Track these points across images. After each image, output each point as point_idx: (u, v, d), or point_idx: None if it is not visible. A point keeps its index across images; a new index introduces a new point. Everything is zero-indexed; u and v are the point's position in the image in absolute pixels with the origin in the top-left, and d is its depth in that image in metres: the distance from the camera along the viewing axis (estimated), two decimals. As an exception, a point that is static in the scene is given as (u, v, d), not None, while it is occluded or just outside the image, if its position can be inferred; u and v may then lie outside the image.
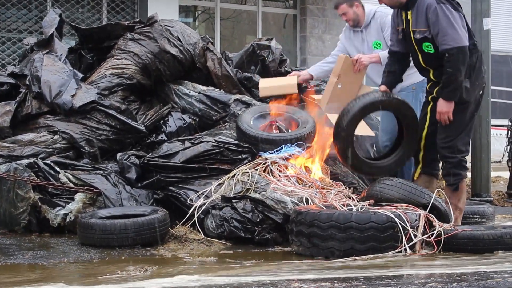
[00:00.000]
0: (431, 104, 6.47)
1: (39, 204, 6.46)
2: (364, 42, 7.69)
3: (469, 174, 9.29)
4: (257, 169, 6.49)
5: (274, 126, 7.29)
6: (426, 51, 6.32)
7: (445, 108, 6.25)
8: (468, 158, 8.81)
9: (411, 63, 6.64)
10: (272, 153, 6.74)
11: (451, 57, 6.11)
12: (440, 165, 6.64)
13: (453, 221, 6.12)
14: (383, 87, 6.63)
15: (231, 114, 7.62)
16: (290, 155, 6.70)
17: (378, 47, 7.49)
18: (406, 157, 6.63)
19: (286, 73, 8.43)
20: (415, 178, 6.63)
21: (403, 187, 5.95)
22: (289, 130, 7.29)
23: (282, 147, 6.77)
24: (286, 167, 6.56)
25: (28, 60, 7.93)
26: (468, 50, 6.15)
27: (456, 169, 6.36)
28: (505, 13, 20.02)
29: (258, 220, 6.04)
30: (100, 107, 7.25)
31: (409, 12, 6.34)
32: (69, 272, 5.06)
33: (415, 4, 6.28)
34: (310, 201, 6.10)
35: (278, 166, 6.54)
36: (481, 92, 6.43)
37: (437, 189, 6.22)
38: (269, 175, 6.42)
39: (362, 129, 7.15)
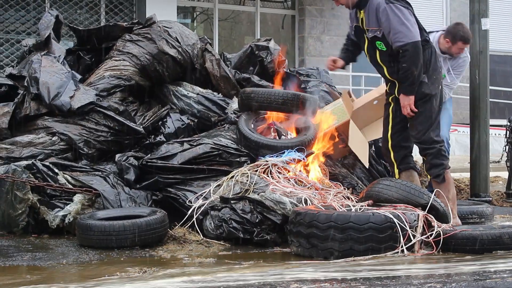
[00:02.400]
0: (392, 105, 6.64)
1: (38, 205, 6.46)
2: None
3: (467, 174, 9.31)
4: (256, 170, 6.49)
5: (272, 129, 7.28)
6: (380, 48, 6.43)
7: (406, 101, 6.40)
8: (467, 158, 8.83)
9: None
10: (272, 156, 6.72)
11: (405, 53, 6.23)
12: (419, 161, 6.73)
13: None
14: (340, 61, 6.86)
15: (229, 121, 7.60)
16: (292, 159, 6.69)
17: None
18: None
19: (285, 74, 8.44)
20: (396, 178, 6.66)
21: (402, 187, 5.95)
22: (288, 133, 7.29)
23: (284, 152, 6.76)
24: (286, 170, 6.55)
25: (26, 61, 7.92)
26: (421, 45, 6.27)
27: (437, 159, 6.45)
28: (503, 13, 20.04)
29: (257, 221, 6.03)
30: (98, 109, 7.26)
31: (362, 11, 6.44)
32: (68, 273, 5.06)
33: (367, 4, 6.38)
34: (309, 201, 6.09)
35: (278, 168, 6.53)
36: (440, 87, 6.57)
37: (436, 190, 6.22)
38: (268, 176, 6.42)
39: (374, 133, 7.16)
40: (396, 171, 6.69)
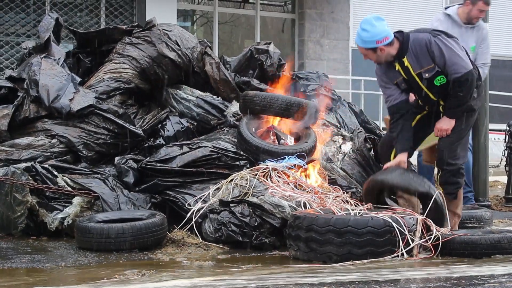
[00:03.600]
0: (422, 114, 6.60)
1: (37, 207, 6.46)
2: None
3: (466, 179, 9.30)
4: (256, 174, 6.48)
5: (271, 132, 7.28)
6: (438, 84, 6.29)
7: (446, 125, 6.37)
8: (466, 162, 8.80)
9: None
10: (272, 161, 6.72)
11: (464, 83, 6.18)
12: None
13: (451, 227, 6.15)
14: (403, 156, 6.43)
15: (228, 124, 7.60)
16: (293, 165, 6.69)
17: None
18: None
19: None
20: (391, 158, 6.60)
21: (405, 174, 6.12)
22: (288, 137, 7.29)
23: (284, 158, 6.75)
24: (286, 175, 6.55)
25: (26, 64, 7.92)
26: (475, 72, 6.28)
27: (454, 178, 6.40)
28: (502, 17, 20.04)
29: (256, 224, 6.04)
30: (98, 111, 7.26)
31: (404, 59, 6.27)
32: (66, 276, 5.06)
33: (407, 49, 6.23)
34: (307, 205, 6.09)
35: (277, 172, 6.53)
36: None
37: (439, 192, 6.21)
38: (267, 180, 6.41)
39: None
40: (394, 152, 6.63)
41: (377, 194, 6.33)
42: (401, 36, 6.26)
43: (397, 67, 6.31)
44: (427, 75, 6.25)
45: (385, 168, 6.47)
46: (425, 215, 5.84)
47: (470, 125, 6.59)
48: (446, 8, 8.40)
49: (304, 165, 6.74)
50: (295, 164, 6.69)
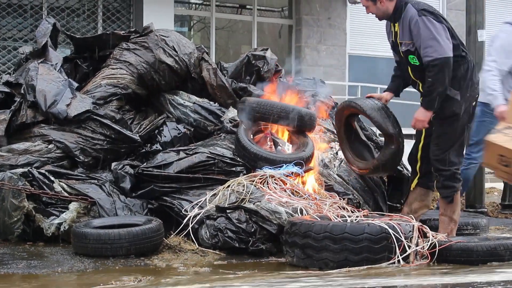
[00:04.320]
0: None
1: (33, 213, 6.46)
2: None
3: (463, 185, 9.30)
4: (253, 181, 6.48)
5: (268, 138, 7.28)
6: (412, 63, 6.36)
7: (421, 116, 6.33)
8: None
9: None
10: (270, 168, 6.72)
11: (433, 68, 6.14)
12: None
13: (447, 233, 6.17)
14: (385, 94, 6.73)
15: (225, 130, 7.60)
16: (291, 173, 6.69)
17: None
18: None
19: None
20: (411, 188, 6.67)
21: (383, 110, 6.52)
22: (286, 144, 7.28)
23: (282, 166, 6.75)
24: (283, 182, 6.55)
25: (23, 69, 7.93)
26: (452, 61, 6.16)
27: (449, 182, 6.39)
28: (499, 24, 20.07)
29: (252, 230, 6.04)
30: (95, 117, 7.26)
31: (396, 24, 6.39)
32: (63, 281, 5.06)
33: (401, 16, 6.31)
34: (304, 212, 6.10)
35: (275, 179, 6.53)
36: (474, 103, 6.45)
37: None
38: (264, 186, 6.41)
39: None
40: (415, 181, 6.66)
41: (347, 116, 6.78)
42: (400, 1, 6.34)
43: (392, 27, 6.48)
44: (403, 48, 6.34)
45: (367, 96, 6.73)
46: (381, 155, 6.39)
47: (459, 131, 6.39)
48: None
49: (301, 173, 6.74)
50: (293, 172, 6.69)
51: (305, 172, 6.83)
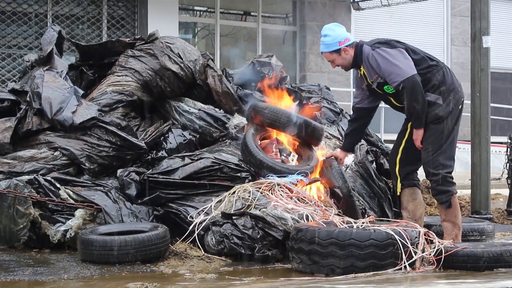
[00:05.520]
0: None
1: (39, 220, 6.47)
2: None
3: (468, 191, 9.30)
4: (259, 188, 6.47)
5: (274, 145, 7.25)
6: (389, 92, 6.50)
7: (415, 135, 6.49)
8: (468, 175, 8.81)
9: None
10: (274, 177, 6.70)
11: (403, 91, 6.33)
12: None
13: (452, 239, 6.17)
14: (341, 153, 6.98)
15: (230, 136, 7.60)
16: (297, 181, 6.69)
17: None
18: None
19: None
20: (398, 192, 6.71)
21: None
22: (292, 154, 7.26)
23: (286, 176, 6.74)
24: (290, 190, 6.54)
25: (28, 76, 7.94)
26: (417, 78, 6.30)
27: (442, 186, 6.42)
28: (504, 30, 20.09)
29: (258, 236, 6.04)
30: (100, 124, 7.27)
31: (361, 68, 6.58)
32: (69, 288, 5.06)
33: (362, 59, 6.52)
34: (310, 218, 6.09)
35: (281, 187, 6.52)
36: (460, 106, 6.55)
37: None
38: (270, 194, 6.40)
39: None
40: (399, 185, 6.70)
41: None
42: (356, 45, 6.55)
43: (360, 73, 6.65)
44: (375, 84, 6.50)
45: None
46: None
47: (446, 134, 6.45)
48: None
49: (306, 182, 6.73)
50: (299, 180, 6.68)
51: (310, 183, 6.82)
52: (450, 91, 6.45)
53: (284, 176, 6.70)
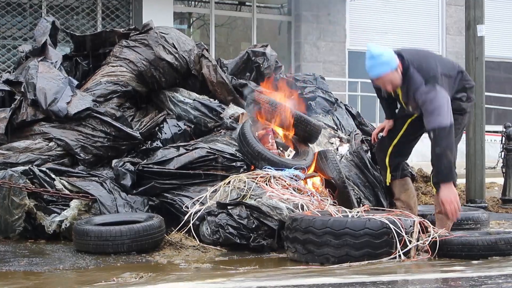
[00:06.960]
0: (413, 118, 6.55)
1: (35, 211, 6.47)
2: None
3: (463, 180, 9.33)
4: (255, 178, 6.47)
5: (270, 136, 7.25)
6: (412, 111, 6.40)
7: (449, 195, 5.93)
8: (462, 164, 8.84)
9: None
10: (271, 169, 6.69)
11: (436, 137, 5.97)
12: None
13: (445, 229, 6.18)
14: (388, 122, 6.78)
15: (225, 126, 7.60)
16: (293, 175, 6.69)
17: None
18: None
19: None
20: (387, 183, 6.72)
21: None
22: (289, 149, 7.26)
23: (283, 169, 6.73)
24: (285, 181, 6.53)
25: (23, 67, 7.93)
26: (453, 127, 5.96)
27: None
28: (498, 19, 20.10)
29: (254, 226, 6.04)
30: (95, 114, 7.26)
31: (398, 88, 6.30)
32: (64, 279, 5.06)
33: (405, 82, 6.17)
34: (305, 207, 6.10)
35: (276, 180, 6.51)
36: (471, 111, 6.61)
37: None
38: (266, 185, 6.40)
39: None
40: (388, 175, 6.71)
41: None
42: (402, 63, 6.16)
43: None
44: (410, 108, 6.33)
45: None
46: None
47: (461, 128, 6.39)
48: None
49: (302, 177, 6.73)
50: (296, 175, 6.69)
51: (307, 178, 6.82)
52: (472, 92, 6.45)
53: (281, 170, 6.69)
